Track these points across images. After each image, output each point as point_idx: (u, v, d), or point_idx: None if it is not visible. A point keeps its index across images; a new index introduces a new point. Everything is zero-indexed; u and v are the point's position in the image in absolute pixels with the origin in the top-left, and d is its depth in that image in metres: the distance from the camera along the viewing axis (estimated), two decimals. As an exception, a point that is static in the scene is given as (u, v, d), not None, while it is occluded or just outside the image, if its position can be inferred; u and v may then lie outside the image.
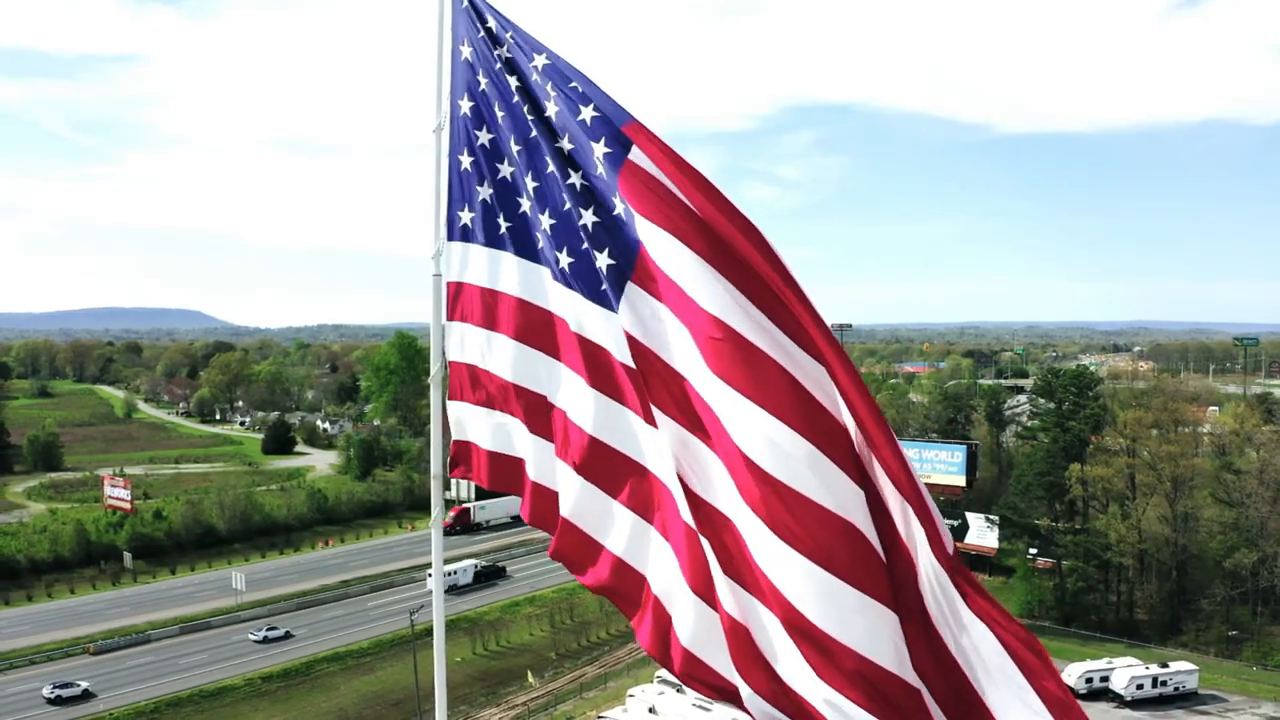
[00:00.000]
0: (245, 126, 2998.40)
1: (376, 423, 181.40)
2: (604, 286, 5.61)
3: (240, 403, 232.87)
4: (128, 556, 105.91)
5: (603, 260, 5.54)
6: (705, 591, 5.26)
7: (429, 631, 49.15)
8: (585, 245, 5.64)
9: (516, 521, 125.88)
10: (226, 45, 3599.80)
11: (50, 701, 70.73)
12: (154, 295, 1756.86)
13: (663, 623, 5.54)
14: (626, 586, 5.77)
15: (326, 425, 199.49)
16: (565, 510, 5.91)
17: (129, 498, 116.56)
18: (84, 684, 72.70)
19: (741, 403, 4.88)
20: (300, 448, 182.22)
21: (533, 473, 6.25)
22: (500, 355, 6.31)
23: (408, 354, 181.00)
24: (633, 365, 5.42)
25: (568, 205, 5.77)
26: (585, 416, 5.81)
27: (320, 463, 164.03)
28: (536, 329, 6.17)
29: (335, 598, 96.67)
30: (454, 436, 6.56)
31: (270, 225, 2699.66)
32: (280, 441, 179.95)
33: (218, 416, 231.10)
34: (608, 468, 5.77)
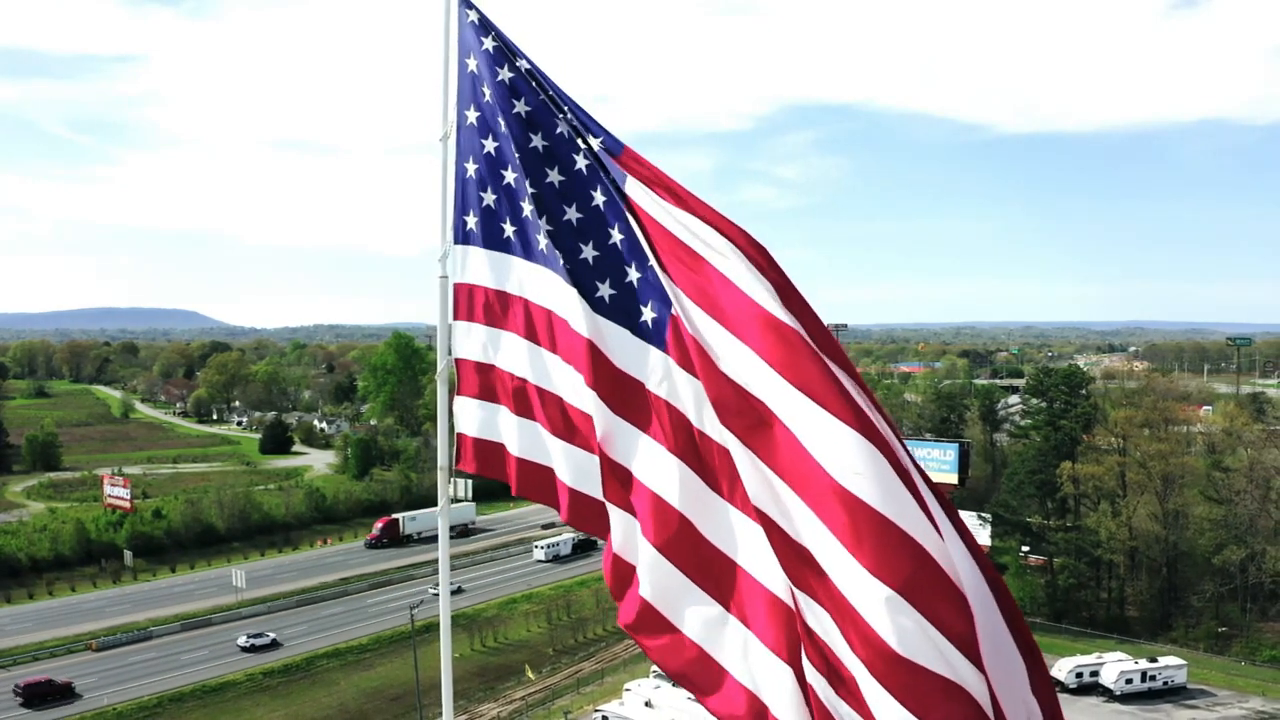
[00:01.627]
0: (242, 127, 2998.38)
1: (374, 422, 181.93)
2: (643, 319, 5.88)
3: (237, 403, 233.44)
4: (128, 555, 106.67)
5: (631, 277, 5.97)
6: (802, 671, 5.20)
7: (428, 628, 49.92)
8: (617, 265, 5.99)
9: (453, 532, 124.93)
10: (224, 46, 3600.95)
11: (244, 649, 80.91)
12: (149, 296, 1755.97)
13: (758, 712, 5.42)
14: (704, 677, 5.62)
15: (324, 425, 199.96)
16: (645, 591, 5.73)
17: (129, 497, 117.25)
18: (272, 634, 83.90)
19: (830, 543, 4.82)
20: (297, 447, 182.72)
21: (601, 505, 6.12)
22: (513, 356, 6.58)
23: (405, 354, 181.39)
24: (709, 432, 5.47)
25: (567, 215, 6.13)
26: (669, 489, 5.66)
27: (318, 462, 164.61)
28: (565, 344, 6.26)
29: (335, 595, 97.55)
30: (456, 429, 6.82)
31: (266, 226, 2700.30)
32: (278, 441, 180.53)
33: (215, 416, 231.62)
34: (690, 550, 5.59)
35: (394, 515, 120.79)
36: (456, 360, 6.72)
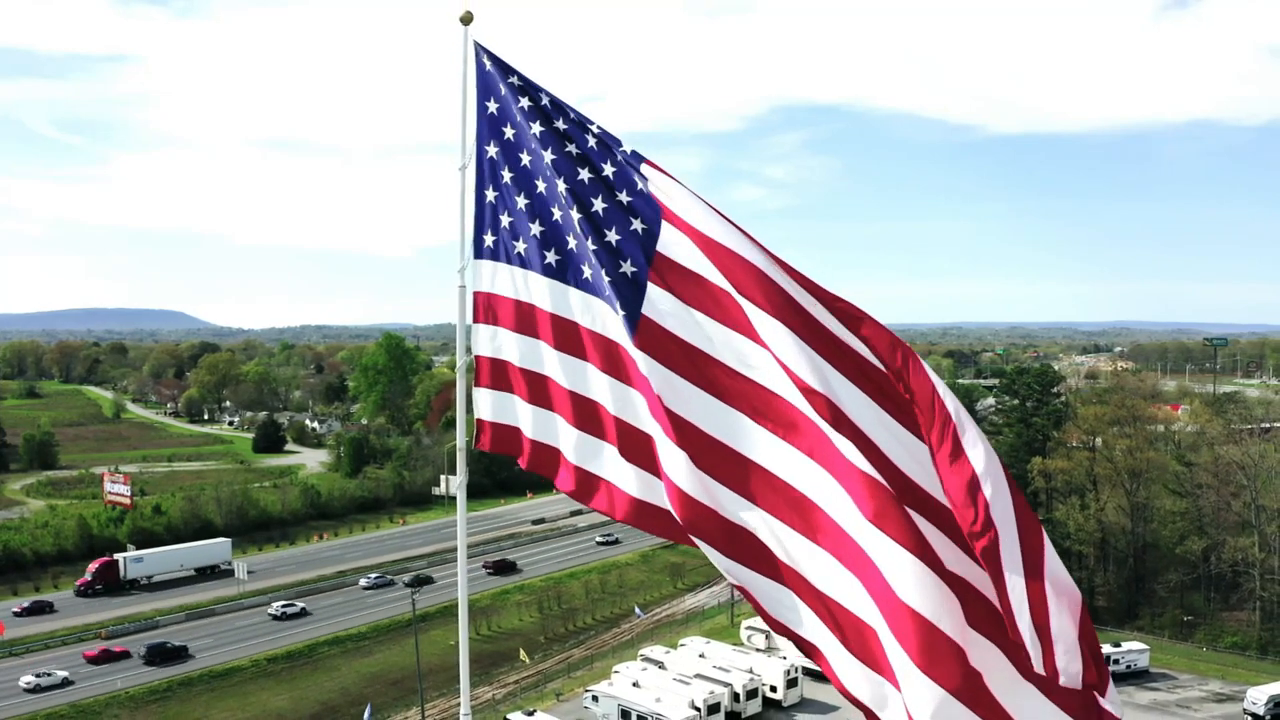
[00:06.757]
0: (232, 127, 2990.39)
1: (365, 421, 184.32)
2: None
3: (228, 403, 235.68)
4: (131, 549, 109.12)
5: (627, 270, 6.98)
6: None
7: (425, 618, 53.30)
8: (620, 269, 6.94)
9: (202, 574, 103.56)
10: (216, 46, 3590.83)
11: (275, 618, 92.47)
12: (136, 296, 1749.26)
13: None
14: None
15: (315, 425, 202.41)
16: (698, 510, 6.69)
17: (129, 493, 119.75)
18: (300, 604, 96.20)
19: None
20: (290, 446, 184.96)
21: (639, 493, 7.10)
22: (522, 352, 7.59)
23: (395, 355, 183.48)
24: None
25: (581, 235, 7.12)
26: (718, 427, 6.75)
27: (311, 461, 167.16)
28: (560, 339, 7.38)
29: (333, 587, 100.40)
30: (476, 416, 7.74)
31: (255, 226, 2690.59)
32: (271, 440, 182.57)
33: (206, 416, 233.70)
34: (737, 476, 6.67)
35: (113, 556, 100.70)
36: (476, 357, 7.68)
